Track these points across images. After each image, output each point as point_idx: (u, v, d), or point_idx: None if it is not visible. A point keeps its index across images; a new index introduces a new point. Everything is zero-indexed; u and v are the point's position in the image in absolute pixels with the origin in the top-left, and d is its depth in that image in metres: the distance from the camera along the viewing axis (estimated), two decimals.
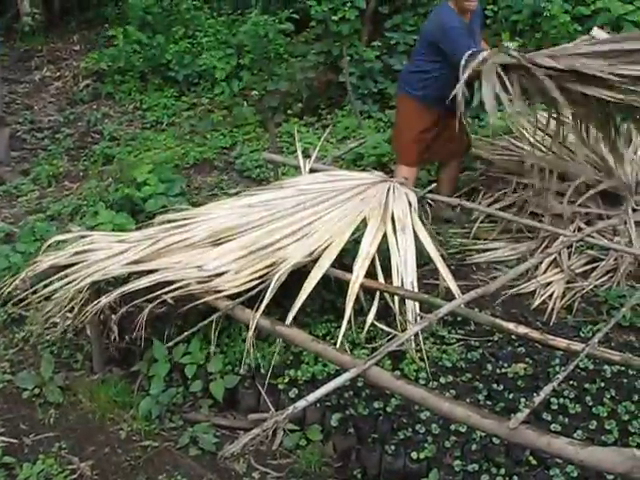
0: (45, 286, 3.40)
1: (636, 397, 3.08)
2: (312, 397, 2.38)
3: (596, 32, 4.06)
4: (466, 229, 4.44)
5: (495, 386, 3.16)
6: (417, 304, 3.16)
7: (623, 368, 3.17)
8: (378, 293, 3.21)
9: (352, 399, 3.13)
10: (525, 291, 3.85)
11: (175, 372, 3.40)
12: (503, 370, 3.26)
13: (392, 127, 5.38)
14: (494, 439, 2.84)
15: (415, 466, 2.83)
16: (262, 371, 3.26)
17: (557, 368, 3.21)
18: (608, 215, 4.14)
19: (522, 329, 2.80)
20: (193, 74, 7.39)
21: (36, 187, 5.67)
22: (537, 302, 3.76)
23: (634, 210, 4.15)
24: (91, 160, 6.08)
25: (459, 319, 3.51)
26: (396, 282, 3.22)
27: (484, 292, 2.93)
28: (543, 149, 4.57)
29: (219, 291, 3.13)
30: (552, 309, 3.69)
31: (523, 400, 3.04)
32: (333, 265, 3.22)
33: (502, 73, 3.74)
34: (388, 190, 3.63)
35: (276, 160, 4.68)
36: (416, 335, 3.05)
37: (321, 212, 3.50)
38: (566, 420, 2.97)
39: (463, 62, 3.83)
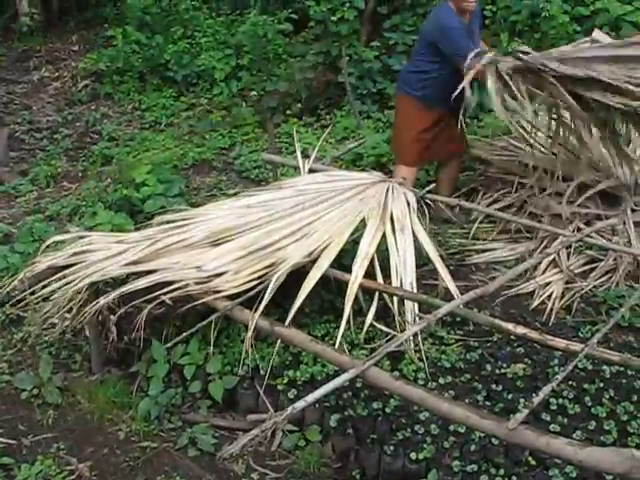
0: (43, 287, 3.39)
1: (635, 397, 3.08)
2: (311, 398, 2.38)
3: (597, 35, 4.06)
4: (465, 229, 4.44)
5: (494, 386, 3.16)
6: (416, 304, 3.16)
7: (622, 368, 3.17)
8: (377, 293, 3.21)
9: (351, 400, 3.13)
10: (524, 291, 3.85)
11: (174, 373, 3.40)
12: (502, 370, 3.25)
13: (391, 127, 5.38)
14: (493, 439, 2.84)
15: (414, 467, 2.83)
16: (261, 372, 3.26)
17: (556, 368, 3.21)
18: (607, 215, 4.14)
19: (521, 329, 2.80)
20: (192, 74, 7.39)
21: (34, 187, 5.67)
22: (536, 302, 3.76)
23: (633, 210, 4.15)
24: (90, 160, 6.07)
25: (458, 319, 3.51)
26: (395, 282, 3.22)
27: (483, 292, 2.93)
28: (542, 149, 4.57)
29: (218, 292, 3.13)
30: (551, 309, 3.69)
31: (522, 400, 3.03)
32: (332, 265, 3.22)
33: (507, 77, 3.74)
34: (387, 190, 3.63)
35: (275, 160, 4.68)
36: (415, 335, 3.05)
37: (320, 212, 3.50)
38: (565, 420, 2.97)
39: (468, 62, 3.83)
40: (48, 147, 6.42)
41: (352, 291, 3.09)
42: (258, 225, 3.44)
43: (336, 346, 2.96)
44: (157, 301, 3.14)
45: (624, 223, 4.05)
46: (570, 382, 3.14)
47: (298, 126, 6.22)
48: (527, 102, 3.77)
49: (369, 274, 3.20)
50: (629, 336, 3.53)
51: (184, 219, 3.63)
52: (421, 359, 3.17)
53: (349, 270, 3.19)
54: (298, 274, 3.18)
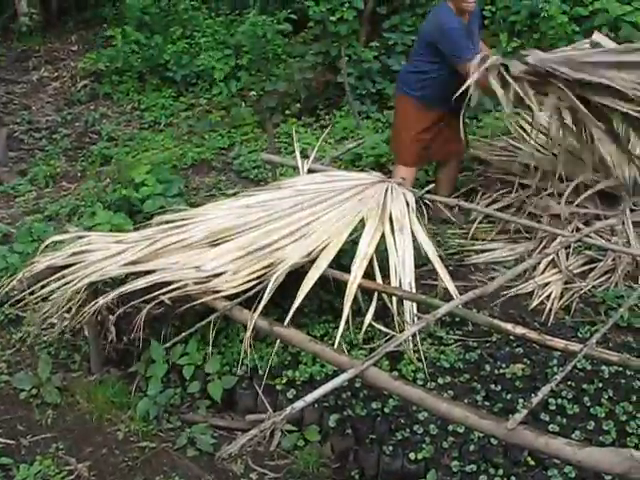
0: (42, 287, 3.39)
1: (634, 398, 3.08)
2: (310, 398, 2.38)
3: (597, 37, 4.07)
4: (464, 230, 4.45)
5: (493, 387, 3.16)
6: (415, 305, 3.16)
7: (621, 369, 3.17)
8: (376, 294, 3.21)
9: (350, 400, 3.13)
10: (523, 292, 3.85)
11: (173, 373, 3.40)
12: (501, 371, 3.26)
13: (390, 128, 5.38)
14: (492, 440, 2.84)
15: (413, 467, 2.83)
16: (260, 372, 3.26)
17: (555, 369, 3.21)
18: (606, 215, 4.14)
19: (520, 330, 2.80)
20: (191, 74, 7.38)
21: (33, 187, 5.66)
22: (535, 303, 3.76)
23: (632, 210, 4.16)
24: (89, 160, 6.07)
25: (457, 320, 3.51)
26: (394, 282, 3.21)
27: (482, 293, 2.93)
28: (542, 150, 4.57)
29: (217, 292, 3.13)
30: (550, 310, 3.69)
31: (521, 401, 3.04)
32: (331, 265, 3.22)
33: (513, 82, 3.77)
34: (386, 191, 3.63)
35: (274, 161, 4.68)
36: (414, 336, 3.05)
37: (319, 213, 3.50)
38: (564, 421, 2.97)
39: (474, 62, 3.84)
40: (47, 147, 6.42)
41: (351, 291, 3.09)
42: (257, 225, 3.44)
43: (335, 346, 2.96)
44: (156, 301, 3.14)
45: (623, 223, 4.05)
46: (569, 382, 3.14)
47: (297, 126, 6.21)
48: (535, 106, 3.79)
49: (368, 274, 3.20)
50: (628, 336, 3.53)
51: (183, 219, 3.63)
52: (420, 359, 3.17)
53: (348, 270, 3.19)
54: (297, 274, 3.18)
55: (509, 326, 2.83)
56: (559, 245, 3.64)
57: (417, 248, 3.39)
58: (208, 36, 7.67)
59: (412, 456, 2.84)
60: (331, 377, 2.92)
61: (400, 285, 3.20)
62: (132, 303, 3.25)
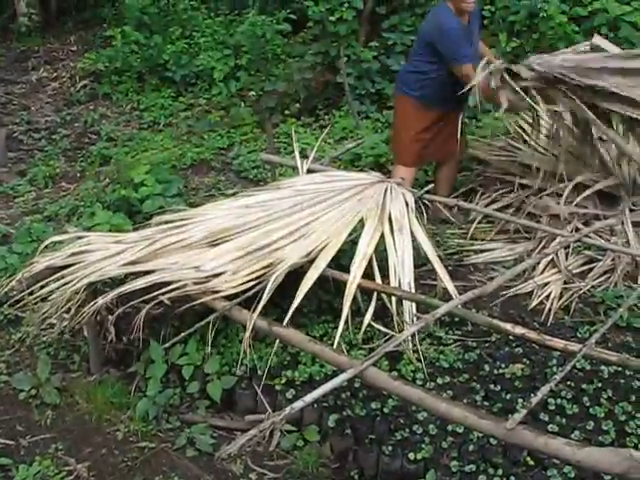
0: (42, 287, 3.39)
1: (633, 398, 3.08)
2: (309, 398, 2.38)
3: (597, 40, 4.08)
4: (463, 230, 4.45)
5: (492, 387, 3.16)
6: (414, 305, 3.16)
7: (620, 369, 3.17)
8: (375, 294, 3.21)
9: (349, 400, 3.13)
10: (522, 292, 3.85)
11: (172, 373, 3.39)
12: (500, 371, 3.25)
13: (390, 128, 5.38)
14: (491, 440, 2.84)
15: (412, 467, 2.83)
16: (259, 372, 3.26)
17: (554, 369, 3.21)
18: (605, 215, 4.14)
19: (519, 330, 2.81)
20: (190, 74, 7.38)
21: (33, 188, 5.66)
22: (534, 303, 3.76)
23: (631, 210, 4.16)
24: (88, 161, 6.06)
25: (456, 320, 3.51)
26: (393, 283, 3.21)
27: (481, 293, 2.93)
28: (541, 150, 4.58)
29: (216, 292, 3.13)
30: (549, 310, 3.69)
31: (520, 401, 3.04)
32: (330, 266, 3.22)
33: (516, 86, 3.80)
34: (385, 191, 3.63)
35: (273, 161, 4.67)
36: (413, 336, 3.05)
37: (318, 213, 3.49)
38: (563, 421, 2.97)
39: (479, 69, 3.89)
40: (46, 147, 6.41)
41: (350, 291, 3.08)
42: (256, 225, 3.44)
43: (334, 346, 2.96)
44: (155, 301, 3.14)
45: (622, 223, 4.06)
46: (568, 382, 3.14)
47: (296, 126, 6.21)
48: (543, 110, 3.83)
49: (367, 274, 3.20)
50: (627, 336, 3.53)
51: (182, 219, 3.63)
52: (419, 359, 3.17)
53: (347, 270, 3.19)
54: (296, 274, 3.18)
55: (508, 326, 2.83)
56: (558, 245, 3.64)
57: (416, 248, 3.39)
58: (207, 36, 7.66)
59: (411, 456, 2.84)
60: (330, 377, 2.92)
61: (399, 285, 3.20)
62: (131, 303, 3.25)
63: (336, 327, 3.07)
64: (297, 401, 2.37)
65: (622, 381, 3.18)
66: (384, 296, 3.25)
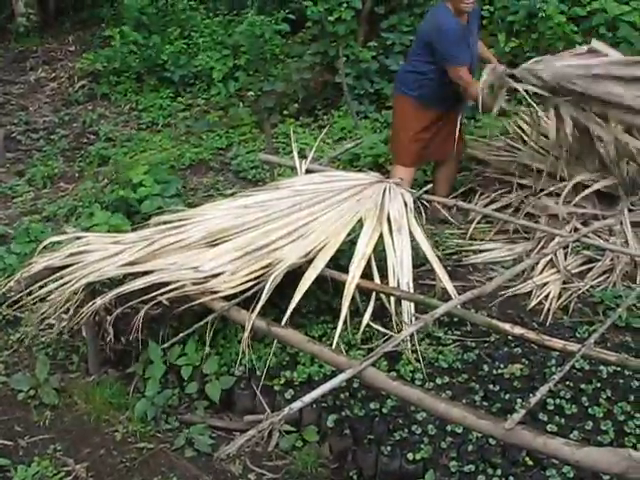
0: (40, 287, 3.38)
1: (632, 397, 3.08)
2: (308, 398, 2.38)
3: (595, 44, 4.09)
4: (462, 230, 4.45)
5: (491, 387, 3.16)
6: (413, 305, 3.16)
7: (619, 369, 3.17)
8: (374, 294, 3.21)
9: (348, 400, 3.13)
10: (521, 292, 3.85)
11: (171, 373, 3.39)
12: (499, 371, 3.25)
13: (389, 128, 5.38)
14: (490, 440, 2.84)
15: (411, 467, 2.83)
16: (258, 372, 3.25)
17: (553, 369, 3.21)
18: (604, 215, 4.14)
19: (518, 330, 2.81)
20: (189, 75, 7.38)
21: (31, 188, 5.65)
22: (533, 303, 3.76)
23: (630, 210, 4.16)
24: (86, 161, 6.06)
25: (455, 320, 3.50)
26: (392, 283, 3.21)
27: (480, 293, 2.93)
28: (540, 150, 4.58)
29: (215, 292, 3.13)
30: (548, 310, 3.69)
31: (519, 401, 3.04)
32: (329, 266, 3.22)
33: (522, 91, 3.87)
34: (384, 191, 3.62)
35: (272, 161, 4.67)
36: (412, 336, 3.05)
37: (317, 213, 3.49)
38: (562, 421, 2.97)
39: (484, 76, 3.95)
40: (45, 148, 6.40)
41: (349, 291, 3.08)
42: (255, 225, 3.44)
43: (333, 346, 2.96)
44: (154, 302, 3.14)
45: (621, 223, 4.06)
46: (567, 382, 3.14)
47: (295, 126, 6.21)
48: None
49: (366, 274, 3.20)
50: (626, 336, 3.54)
51: (181, 220, 3.63)
52: (418, 359, 3.17)
53: (346, 270, 3.19)
54: (295, 275, 3.18)
55: (507, 326, 2.83)
56: (557, 245, 3.64)
57: (415, 248, 3.39)
58: (206, 36, 7.66)
59: (410, 456, 2.83)
60: (329, 377, 2.92)
61: (398, 285, 3.20)
62: (130, 304, 3.25)
63: (335, 327, 3.07)
64: (296, 401, 2.37)
65: (621, 381, 3.18)
66: (383, 296, 3.25)
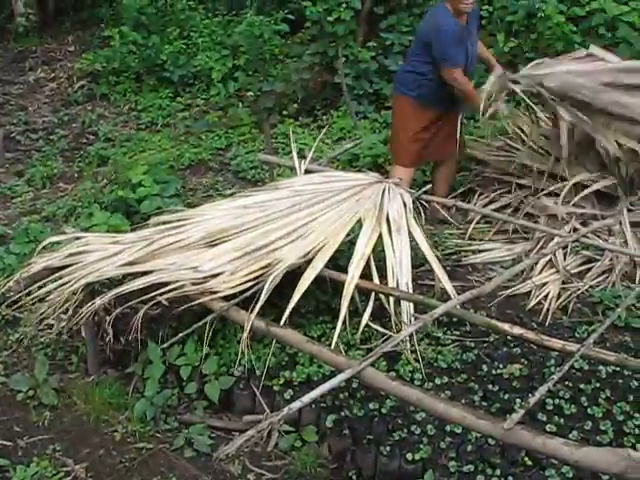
0: (39, 288, 3.38)
1: (631, 397, 3.08)
2: (307, 398, 2.38)
3: (594, 50, 4.09)
4: (461, 230, 4.45)
5: (490, 387, 3.16)
6: (412, 305, 3.16)
7: (618, 369, 3.17)
8: (373, 294, 3.21)
9: (347, 400, 3.13)
10: (521, 292, 3.85)
11: (170, 374, 3.39)
12: (498, 371, 3.25)
13: (388, 128, 5.38)
14: (489, 440, 2.84)
15: (410, 467, 2.83)
16: (257, 372, 3.26)
17: (552, 369, 3.21)
18: (603, 215, 4.15)
19: (517, 330, 2.81)
20: (188, 75, 7.38)
21: (30, 188, 5.65)
22: (532, 303, 3.76)
23: (629, 210, 4.16)
24: (86, 161, 6.06)
25: (454, 320, 3.50)
26: (391, 283, 3.21)
27: (479, 293, 2.93)
28: (540, 150, 4.58)
29: (214, 292, 3.13)
30: (547, 310, 3.69)
31: (518, 401, 3.04)
32: (328, 266, 3.22)
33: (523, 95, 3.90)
34: (383, 191, 3.62)
35: (271, 161, 4.67)
36: (411, 336, 3.05)
37: (316, 213, 3.49)
38: (561, 421, 2.97)
39: (488, 86, 4.01)
40: (44, 148, 6.40)
41: (348, 291, 3.09)
42: (254, 226, 3.44)
43: (332, 347, 2.96)
44: (153, 302, 3.14)
45: (620, 223, 4.06)
46: (566, 382, 3.14)
47: (294, 127, 6.21)
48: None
49: (365, 275, 3.20)
50: (625, 336, 3.54)
51: (180, 220, 3.63)
52: (417, 359, 3.17)
53: (345, 271, 3.19)
54: (294, 275, 3.18)
55: (506, 326, 2.83)
56: (556, 245, 3.65)
57: (414, 248, 3.39)
58: (205, 36, 7.66)
59: (409, 456, 2.83)
60: (328, 378, 2.91)
61: (397, 285, 3.21)
62: (129, 304, 3.25)
63: (334, 327, 3.07)
64: (295, 401, 2.37)
65: (620, 381, 3.18)
66: (382, 296, 3.25)
